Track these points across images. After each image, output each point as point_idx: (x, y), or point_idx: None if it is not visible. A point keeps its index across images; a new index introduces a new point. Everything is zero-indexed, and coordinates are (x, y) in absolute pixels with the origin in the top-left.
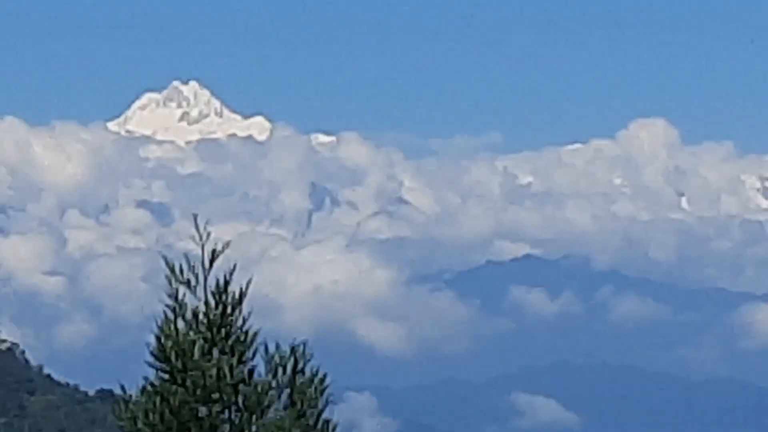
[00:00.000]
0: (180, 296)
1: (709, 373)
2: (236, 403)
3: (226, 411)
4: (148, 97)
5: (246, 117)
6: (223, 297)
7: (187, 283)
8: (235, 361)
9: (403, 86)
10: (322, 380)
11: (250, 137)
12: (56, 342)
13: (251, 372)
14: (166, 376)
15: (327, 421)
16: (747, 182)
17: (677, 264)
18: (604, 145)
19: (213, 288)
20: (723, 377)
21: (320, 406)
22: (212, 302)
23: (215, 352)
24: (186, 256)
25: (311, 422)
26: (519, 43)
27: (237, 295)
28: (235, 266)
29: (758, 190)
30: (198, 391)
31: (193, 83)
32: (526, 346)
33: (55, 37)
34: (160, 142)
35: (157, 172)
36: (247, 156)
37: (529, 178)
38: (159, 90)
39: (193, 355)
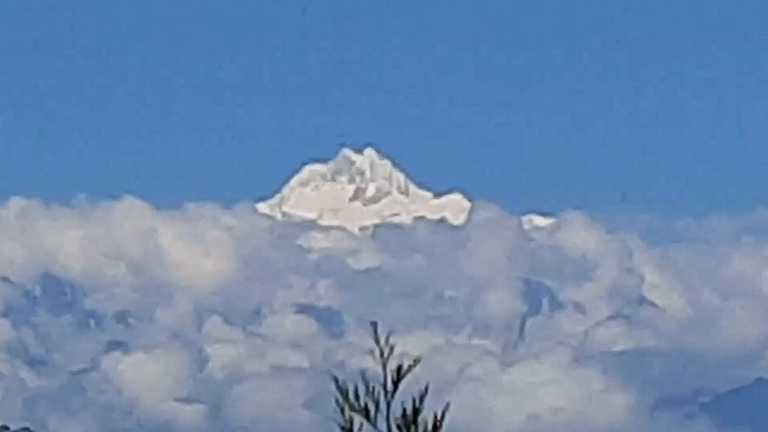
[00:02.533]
0: (355, 429)
1: None
2: None
3: None
4: (310, 169)
5: (438, 195)
6: (412, 429)
7: (365, 411)
8: None
9: (641, 155)
10: None
11: (443, 220)
12: None
13: None
14: None
15: None
16: None
17: None
18: None
19: (398, 418)
20: None
21: None
22: None
23: None
24: (363, 376)
25: None
26: None
27: (430, 427)
28: (427, 389)
29: None
30: None
31: (369, 151)
32: None
33: (192, 98)
34: (327, 229)
35: (324, 268)
36: (440, 245)
37: None
38: (325, 160)
39: None
